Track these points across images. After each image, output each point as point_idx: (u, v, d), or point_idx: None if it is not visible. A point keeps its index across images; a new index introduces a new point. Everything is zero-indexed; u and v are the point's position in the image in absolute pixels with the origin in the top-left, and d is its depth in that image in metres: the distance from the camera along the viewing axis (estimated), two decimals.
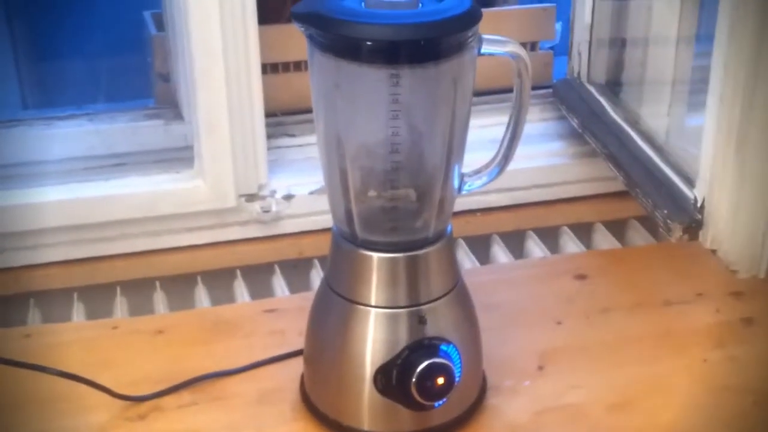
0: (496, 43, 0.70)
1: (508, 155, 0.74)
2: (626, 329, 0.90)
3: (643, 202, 0.93)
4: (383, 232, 0.72)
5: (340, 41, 0.66)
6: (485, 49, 0.69)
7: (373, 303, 0.73)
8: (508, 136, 0.73)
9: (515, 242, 1.12)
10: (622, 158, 0.98)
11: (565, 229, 1.13)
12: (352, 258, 0.74)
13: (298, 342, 0.84)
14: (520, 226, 1.13)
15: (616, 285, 0.96)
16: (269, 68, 1.13)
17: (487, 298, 0.90)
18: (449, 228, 0.75)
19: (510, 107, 0.73)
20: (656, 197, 0.91)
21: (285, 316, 0.92)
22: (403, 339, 0.73)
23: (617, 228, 1.14)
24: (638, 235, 1.12)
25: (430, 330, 0.73)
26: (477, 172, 0.75)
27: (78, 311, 0.99)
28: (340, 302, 0.75)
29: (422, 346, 0.73)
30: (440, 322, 0.74)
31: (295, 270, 1.06)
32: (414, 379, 0.72)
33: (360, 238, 0.73)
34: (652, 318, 0.91)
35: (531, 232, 1.12)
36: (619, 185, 1.10)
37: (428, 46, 0.65)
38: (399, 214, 0.72)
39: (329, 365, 0.76)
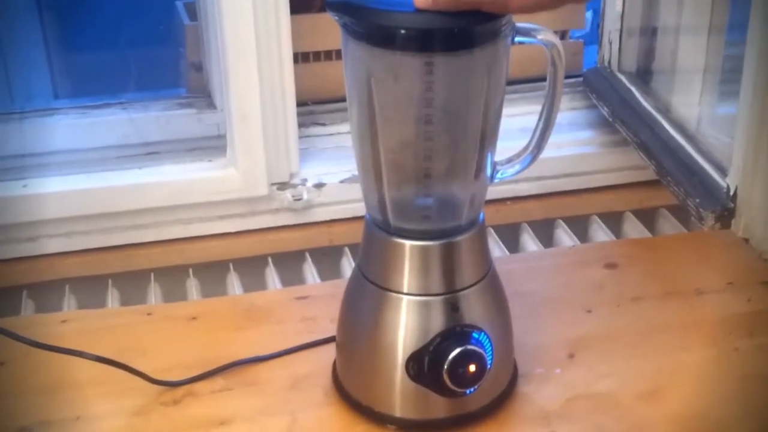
0: (530, 32, 0.70)
1: (540, 144, 0.74)
2: (657, 318, 0.90)
3: (675, 191, 0.93)
4: (416, 221, 0.73)
5: (374, 30, 0.66)
6: (519, 37, 0.69)
7: (405, 290, 0.74)
8: (541, 124, 0.73)
9: (545, 231, 1.13)
10: (654, 147, 0.98)
11: (595, 218, 1.13)
12: (385, 246, 0.74)
13: (330, 329, 0.85)
14: (549, 214, 1.13)
15: (647, 274, 0.96)
16: (300, 57, 1.14)
17: (517, 286, 0.90)
18: (481, 216, 0.75)
19: (541, 96, 0.73)
20: (688, 186, 0.91)
21: (316, 303, 0.93)
22: (435, 326, 0.73)
23: (647, 217, 1.14)
24: (668, 225, 1.12)
25: (462, 317, 0.74)
26: (509, 160, 0.75)
27: (113, 298, 1.00)
28: (372, 290, 0.75)
29: (454, 334, 0.73)
30: (472, 309, 0.74)
31: (326, 258, 1.07)
32: (446, 366, 0.72)
33: (393, 226, 0.73)
34: (682, 307, 0.91)
35: (560, 221, 1.13)
36: (649, 174, 1.11)
37: (462, 34, 0.65)
38: (432, 203, 0.72)
39: (362, 352, 0.77)
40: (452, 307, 0.74)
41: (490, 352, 0.74)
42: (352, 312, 0.78)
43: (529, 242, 1.10)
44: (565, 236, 1.11)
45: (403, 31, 0.65)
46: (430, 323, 0.73)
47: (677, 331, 0.88)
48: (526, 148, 0.75)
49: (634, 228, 1.12)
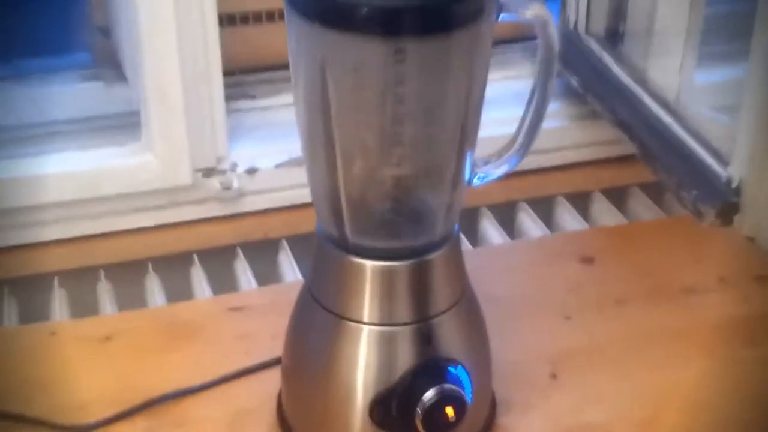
0: (518, 6, 0.57)
1: (530, 139, 0.61)
2: (644, 324, 0.79)
3: (665, 180, 0.81)
4: (380, 237, 0.60)
5: (329, 6, 0.52)
6: (504, 14, 0.56)
7: (366, 319, 0.61)
8: (530, 116, 0.61)
9: (506, 214, 1.01)
10: (636, 125, 0.86)
11: (561, 199, 1.02)
12: (341, 266, 0.61)
13: (271, 348, 0.72)
14: (511, 196, 1.01)
15: (628, 269, 0.85)
16: (225, 20, 0.98)
17: (484, 289, 0.77)
18: (456, 227, 0.62)
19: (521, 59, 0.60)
20: (681, 174, 0.79)
21: (253, 315, 0.80)
22: (404, 362, 0.61)
23: (617, 197, 1.03)
24: (641, 205, 1.01)
25: (436, 349, 0.61)
26: (489, 159, 0.63)
27: (9, 311, 0.85)
28: (326, 317, 0.62)
29: (428, 370, 0.61)
30: (447, 339, 0.62)
31: (261, 253, 0.94)
32: (419, 411, 0.60)
33: (351, 243, 0.60)
34: (672, 310, 0.81)
35: (524, 203, 1.01)
36: (620, 149, 1.00)
37: (439, 13, 0.52)
38: (400, 216, 0.59)
39: (314, 390, 0.64)
40: (424, 338, 0.61)
41: (469, 389, 0.62)
42: (301, 340, 0.65)
43: (490, 229, 0.98)
44: (528, 220, 0.99)
45: (365, 9, 0.51)
46: (397, 358, 0.61)
47: (669, 340, 0.77)
48: (511, 143, 0.62)
49: (603, 210, 1.01)
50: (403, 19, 0.52)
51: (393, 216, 0.59)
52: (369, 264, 0.60)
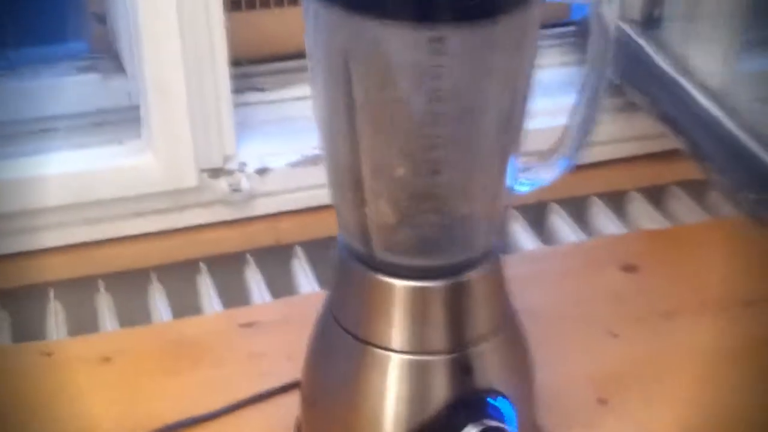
0: None
1: (584, 136, 0.54)
2: (699, 341, 0.72)
3: (718, 180, 0.74)
4: (412, 253, 0.52)
5: None
6: None
7: (395, 346, 0.54)
8: (583, 108, 0.53)
9: (536, 216, 0.93)
10: (682, 119, 0.78)
11: (594, 199, 0.94)
12: (367, 286, 0.54)
13: (287, 370, 0.66)
14: (540, 197, 0.93)
15: (676, 278, 0.78)
16: (230, 5, 0.91)
17: (520, 301, 0.70)
18: (498, 242, 0.55)
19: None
20: (738, 174, 0.71)
21: (266, 331, 0.73)
22: (439, 395, 0.53)
23: (656, 196, 0.96)
24: (682, 205, 0.94)
25: (476, 381, 0.54)
26: (531, 164, 0.55)
27: (1, 326, 0.78)
28: (350, 342, 0.55)
29: (467, 404, 0.53)
30: (488, 369, 0.55)
31: (273, 260, 0.86)
32: None
33: (379, 259, 0.52)
34: (729, 325, 0.73)
35: (554, 204, 0.93)
36: (659, 145, 0.92)
37: None
38: (435, 229, 0.52)
39: (337, 424, 0.56)
40: (462, 368, 0.54)
41: (514, 424, 0.55)
42: (323, 368, 0.58)
43: (520, 232, 0.90)
44: (560, 222, 0.92)
45: None
46: (431, 391, 0.54)
47: (730, 360, 0.70)
48: (560, 142, 0.54)
49: (641, 210, 0.94)
50: (440, 2, 0.44)
51: (427, 229, 0.52)
52: (398, 284, 0.53)
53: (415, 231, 0.51)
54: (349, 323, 0.55)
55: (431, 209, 0.50)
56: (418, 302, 0.53)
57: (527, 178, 0.54)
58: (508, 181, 0.52)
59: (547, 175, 0.54)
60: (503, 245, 0.55)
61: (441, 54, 0.45)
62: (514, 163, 0.53)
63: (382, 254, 0.52)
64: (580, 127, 0.53)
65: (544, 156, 0.55)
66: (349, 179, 0.50)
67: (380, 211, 0.50)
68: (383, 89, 0.47)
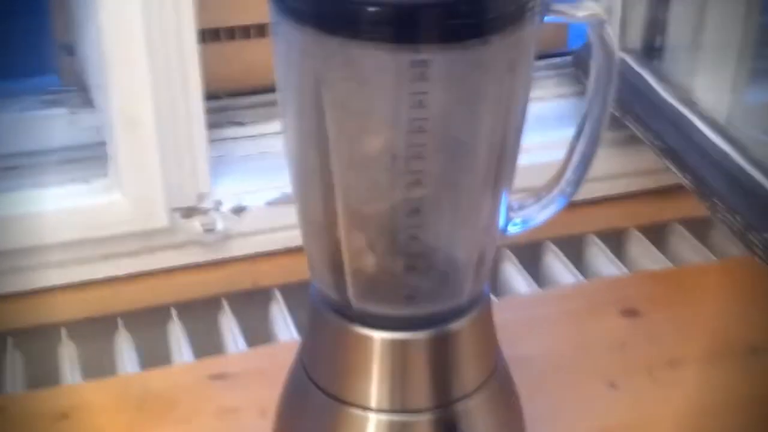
0: (568, 5, 0.44)
1: (582, 172, 0.49)
2: (707, 393, 0.66)
3: (727, 219, 0.69)
4: (393, 302, 0.47)
5: (326, 7, 0.40)
6: (551, 15, 0.44)
7: (374, 405, 0.48)
8: (583, 143, 0.48)
9: (531, 256, 0.89)
10: (687, 154, 0.73)
11: (592, 237, 0.89)
12: (342, 337, 0.49)
13: (259, 427, 0.60)
14: (535, 235, 0.88)
15: (681, 324, 0.73)
16: (208, 35, 0.86)
17: (513, 347, 0.65)
18: (487, 288, 0.50)
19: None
20: (748, 213, 0.67)
21: (239, 384, 0.68)
22: None
23: (656, 234, 0.91)
24: (685, 245, 0.89)
25: None
26: (525, 201, 0.50)
27: None
28: (323, 401, 0.50)
29: None
30: (476, 427, 0.49)
31: (250, 305, 0.81)
32: None
33: (356, 309, 0.47)
34: (738, 375, 0.68)
35: (549, 243, 0.88)
36: (659, 181, 0.88)
37: (472, 13, 0.40)
38: (417, 275, 0.47)
39: None
40: (447, 428, 0.48)
41: None
42: (295, 428, 0.52)
43: (513, 273, 0.85)
44: (556, 262, 0.87)
45: (373, 9, 0.39)
46: None
47: (736, 411, 0.64)
48: (556, 178, 0.50)
49: (641, 250, 0.89)
50: (423, 21, 0.39)
51: (408, 275, 0.46)
52: (377, 336, 0.48)
53: (395, 277, 0.46)
54: (323, 379, 0.50)
55: (413, 253, 0.45)
56: (399, 356, 0.48)
57: (520, 217, 0.49)
58: (499, 221, 0.47)
59: (542, 214, 0.49)
60: (491, 290, 0.50)
61: (424, 79, 0.40)
62: (505, 202, 0.48)
63: (358, 303, 0.47)
64: (579, 161, 0.48)
65: (539, 193, 0.50)
66: (321, 220, 0.45)
67: (356, 255, 0.45)
68: (359, 119, 0.42)
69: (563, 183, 0.49)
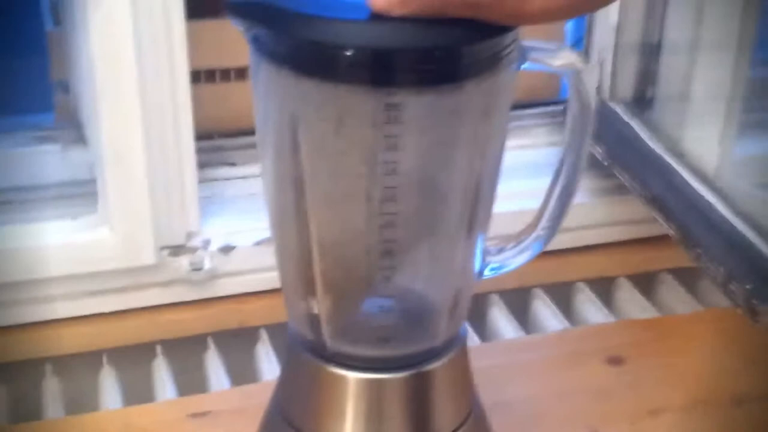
0: (545, 53, 0.45)
1: (558, 218, 0.49)
2: None
3: (710, 269, 0.69)
4: (368, 344, 0.47)
5: (303, 49, 0.41)
6: (529, 63, 0.44)
7: None
8: (559, 189, 0.49)
9: (518, 303, 0.88)
10: (673, 204, 0.74)
11: (581, 285, 0.89)
12: (317, 378, 0.48)
13: None
14: (524, 282, 0.89)
15: (665, 373, 0.72)
16: (203, 76, 0.87)
17: (493, 395, 0.64)
18: (464, 329, 0.50)
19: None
20: (731, 264, 0.67)
21: (220, 422, 0.67)
22: None
23: (644, 283, 0.91)
24: (673, 294, 0.89)
25: None
26: (503, 247, 0.50)
27: None
28: None
29: None
30: None
31: (236, 344, 0.81)
32: None
33: (331, 350, 0.47)
34: (721, 423, 0.68)
35: (538, 290, 0.88)
36: (648, 229, 0.88)
37: (447, 59, 0.40)
38: (393, 315, 0.47)
39: None
40: None
41: None
42: None
43: (500, 319, 0.85)
44: (544, 310, 0.87)
45: (349, 53, 0.40)
46: None
47: None
48: (533, 224, 0.50)
49: (629, 298, 0.89)
50: (397, 64, 0.40)
51: (383, 316, 0.47)
52: (352, 376, 0.48)
53: (370, 318, 0.46)
54: (298, 420, 0.50)
55: (387, 294, 0.45)
56: (374, 397, 0.48)
57: (497, 261, 0.49)
58: (475, 264, 0.47)
59: (518, 259, 0.49)
60: (479, 335, 0.50)
61: (398, 122, 0.41)
62: (481, 245, 0.48)
63: (333, 343, 0.47)
64: (555, 207, 0.49)
65: (516, 238, 0.50)
66: (297, 259, 0.46)
67: (330, 295, 0.45)
68: (334, 160, 0.43)
69: (539, 229, 0.49)
